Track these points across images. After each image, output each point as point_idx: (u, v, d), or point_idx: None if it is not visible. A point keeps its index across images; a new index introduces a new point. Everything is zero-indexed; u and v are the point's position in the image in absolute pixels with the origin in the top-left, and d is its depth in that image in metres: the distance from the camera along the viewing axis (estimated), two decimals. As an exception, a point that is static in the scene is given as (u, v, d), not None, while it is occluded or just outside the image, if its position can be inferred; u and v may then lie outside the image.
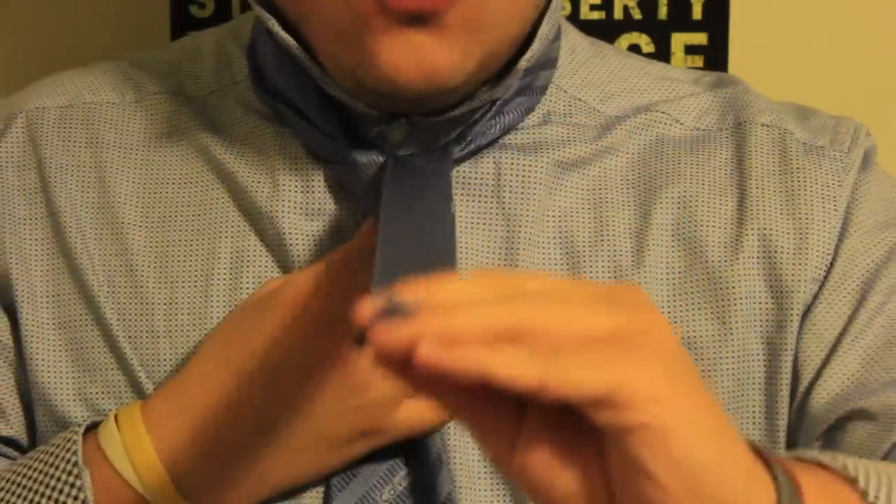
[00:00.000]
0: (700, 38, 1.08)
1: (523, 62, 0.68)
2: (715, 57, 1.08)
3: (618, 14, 1.08)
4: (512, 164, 0.72)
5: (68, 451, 0.66)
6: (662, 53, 1.08)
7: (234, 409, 0.65)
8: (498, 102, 0.71)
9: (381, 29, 0.63)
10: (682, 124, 0.75)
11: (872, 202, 0.74)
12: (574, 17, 1.08)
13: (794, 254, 0.71)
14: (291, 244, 0.70)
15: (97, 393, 0.71)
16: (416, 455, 0.67)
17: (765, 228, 0.72)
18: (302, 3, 0.66)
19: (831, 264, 0.72)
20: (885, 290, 0.72)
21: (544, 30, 0.69)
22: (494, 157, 0.72)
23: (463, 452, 0.68)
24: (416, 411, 0.65)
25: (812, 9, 1.08)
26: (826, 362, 0.71)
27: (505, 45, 0.67)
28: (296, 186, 0.71)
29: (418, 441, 0.67)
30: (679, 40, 1.08)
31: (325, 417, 0.64)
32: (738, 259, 0.71)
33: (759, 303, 0.71)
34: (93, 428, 0.68)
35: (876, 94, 1.09)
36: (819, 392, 0.70)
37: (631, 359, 0.48)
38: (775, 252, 0.72)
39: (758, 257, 0.72)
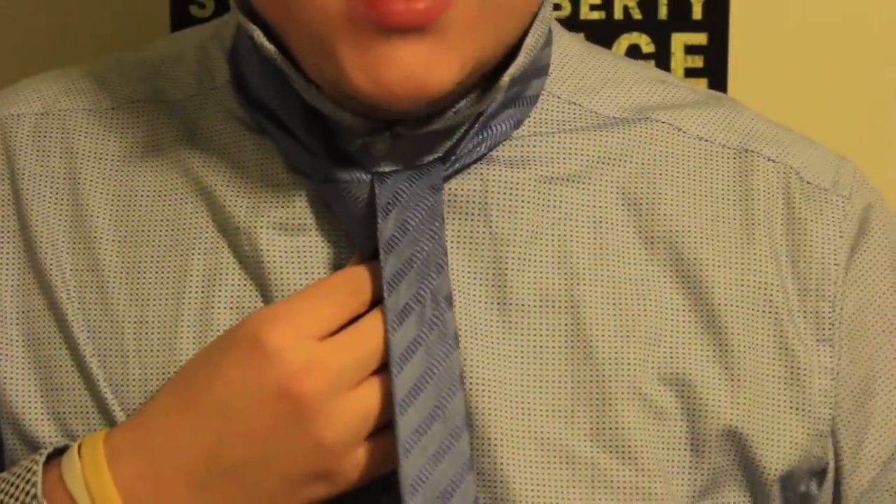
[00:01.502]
0: (700, 38, 1.08)
1: (506, 76, 0.66)
2: (715, 57, 1.08)
3: (618, 14, 1.08)
4: (499, 180, 0.69)
5: (27, 481, 0.64)
6: (662, 53, 1.08)
7: (191, 446, 0.63)
8: (484, 116, 0.69)
9: (360, 40, 0.61)
10: (685, 133, 0.73)
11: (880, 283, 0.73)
12: (574, 17, 1.08)
13: (799, 313, 0.71)
14: (268, 261, 0.68)
15: (66, 412, 0.69)
16: (395, 485, 0.66)
17: (768, 283, 0.70)
18: (280, 11, 0.64)
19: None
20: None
21: (530, 42, 0.67)
22: (481, 173, 0.70)
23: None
24: (368, 455, 0.64)
25: (812, 9, 1.08)
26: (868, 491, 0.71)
27: (496, 53, 0.65)
28: (275, 201, 0.69)
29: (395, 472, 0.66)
30: (679, 40, 1.08)
31: (278, 457, 0.63)
32: (742, 306, 0.70)
33: (767, 356, 0.70)
34: (59, 453, 0.66)
35: (876, 94, 1.09)
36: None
37: None
38: (778, 306, 0.70)
39: (763, 309, 0.70)
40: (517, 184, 0.70)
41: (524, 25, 0.66)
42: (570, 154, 0.71)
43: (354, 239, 0.68)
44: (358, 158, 0.68)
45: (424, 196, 0.67)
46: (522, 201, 0.70)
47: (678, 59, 1.08)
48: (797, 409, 0.70)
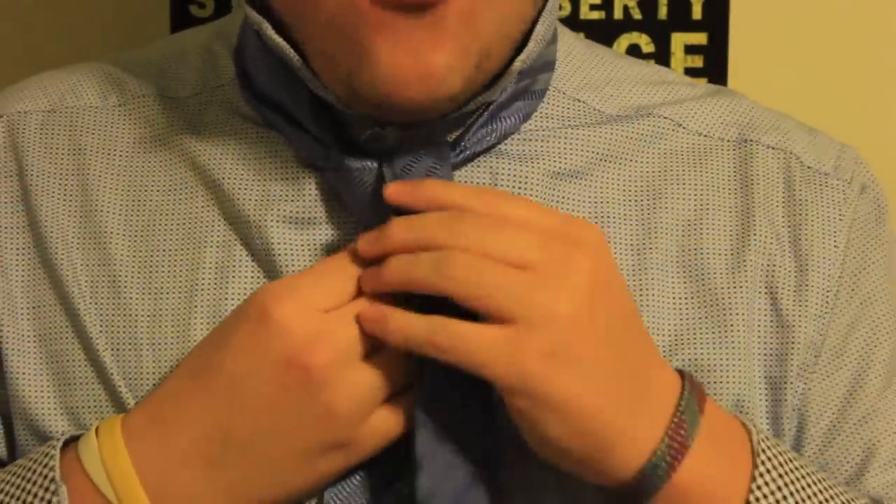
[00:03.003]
0: (700, 38, 1.08)
1: (518, 63, 0.67)
2: (715, 57, 1.08)
3: (618, 14, 1.08)
4: (508, 173, 0.71)
5: (45, 465, 0.65)
6: (662, 53, 1.08)
7: (203, 421, 0.64)
8: (493, 107, 0.70)
9: (376, 23, 0.62)
10: (685, 129, 0.74)
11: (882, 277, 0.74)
12: (574, 17, 1.08)
13: (795, 290, 0.71)
14: (279, 254, 0.69)
15: (79, 406, 0.69)
16: (405, 479, 0.66)
17: (768, 264, 0.71)
18: (300, 9, 0.65)
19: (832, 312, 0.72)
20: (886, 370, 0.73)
21: (540, 30, 0.68)
22: (490, 165, 0.71)
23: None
24: (381, 421, 0.64)
25: (812, 9, 1.08)
26: (825, 446, 0.72)
27: (501, 46, 0.66)
28: (285, 194, 0.70)
29: (409, 449, 0.66)
30: (679, 40, 1.08)
31: (290, 429, 0.63)
32: (741, 289, 0.71)
33: (762, 334, 0.71)
34: (75, 439, 0.67)
35: (876, 94, 1.09)
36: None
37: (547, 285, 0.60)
38: (777, 286, 0.71)
39: (761, 290, 0.71)
40: (525, 177, 0.71)
41: (526, 16, 0.67)
42: (575, 150, 0.72)
43: (363, 223, 0.68)
44: (367, 147, 0.68)
45: (433, 165, 0.68)
46: (529, 194, 0.70)
47: (678, 59, 1.08)
48: (777, 385, 0.71)
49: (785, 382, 0.70)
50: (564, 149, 0.72)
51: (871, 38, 1.09)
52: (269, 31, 0.66)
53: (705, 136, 0.74)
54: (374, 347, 0.64)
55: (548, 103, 0.73)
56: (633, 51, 1.08)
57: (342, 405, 0.63)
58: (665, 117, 0.74)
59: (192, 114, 0.73)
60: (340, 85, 0.66)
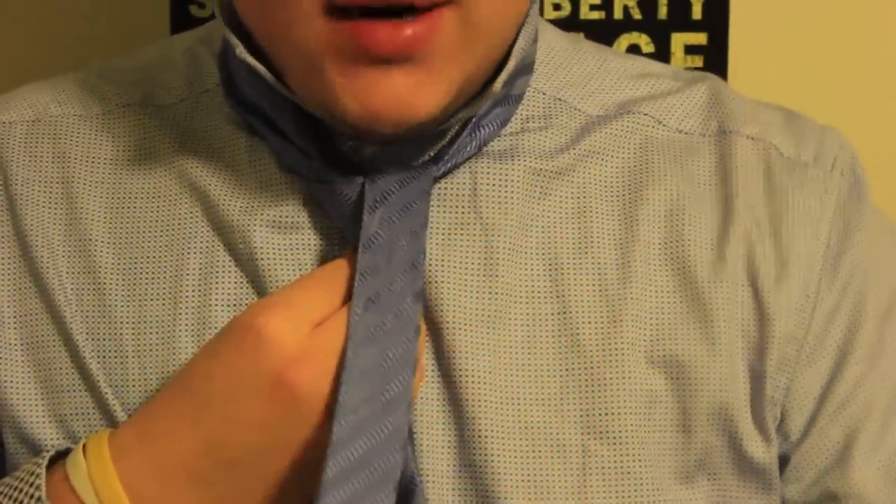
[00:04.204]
0: (700, 38, 1.08)
1: (498, 83, 0.66)
2: (715, 57, 1.08)
3: (618, 14, 1.08)
4: (488, 171, 0.70)
5: (31, 484, 0.64)
6: (662, 53, 1.08)
7: (192, 437, 0.63)
8: (475, 118, 0.69)
9: (348, 67, 0.61)
10: (665, 126, 0.74)
11: (867, 254, 0.73)
12: (574, 17, 1.08)
13: (776, 281, 0.71)
14: (263, 258, 0.69)
15: (67, 414, 0.69)
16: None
17: (749, 255, 0.71)
18: (270, 31, 0.64)
19: (814, 308, 0.71)
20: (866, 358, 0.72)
21: (520, 45, 0.67)
22: (470, 167, 0.70)
23: (435, 474, 0.67)
24: None
25: (812, 9, 1.08)
26: (806, 433, 0.71)
27: (485, 70, 0.66)
28: (268, 200, 0.69)
29: None
30: (679, 40, 1.08)
31: (281, 446, 0.63)
32: (723, 282, 0.70)
33: (745, 327, 0.70)
34: (63, 455, 0.66)
35: (876, 94, 1.09)
36: (797, 472, 0.71)
37: None
38: (758, 278, 0.71)
39: (742, 282, 0.71)
40: (506, 174, 0.70)
41: (511, 39, 0.66)
42: (555, 149, 0.72)
43: (346, 235, 0.68)
44: (349, 158, 0.68)
45: (412, 199, 0.67)
46: (511, 190, 0.70)
47: (678, 59, 1.08)
48: (758, 377, 0.70)
49: (764, 376, 0.70)
50: (544, 148, 0.72)
51: (872, 38, 1.09)
52: (243, 52, 0.66)
53: (686, 133, 0.74)
54: None
55: (527, 104, 0.72)
56: (633, 51, 1.08)
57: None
58: (645, 114, 0.74)
59: (177, 121, 0.73)
60: (315, 106, 0.65)
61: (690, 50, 1.08)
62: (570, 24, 1.07)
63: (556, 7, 1.08)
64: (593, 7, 1.08)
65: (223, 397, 0.63)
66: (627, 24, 1.08)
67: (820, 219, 0.72)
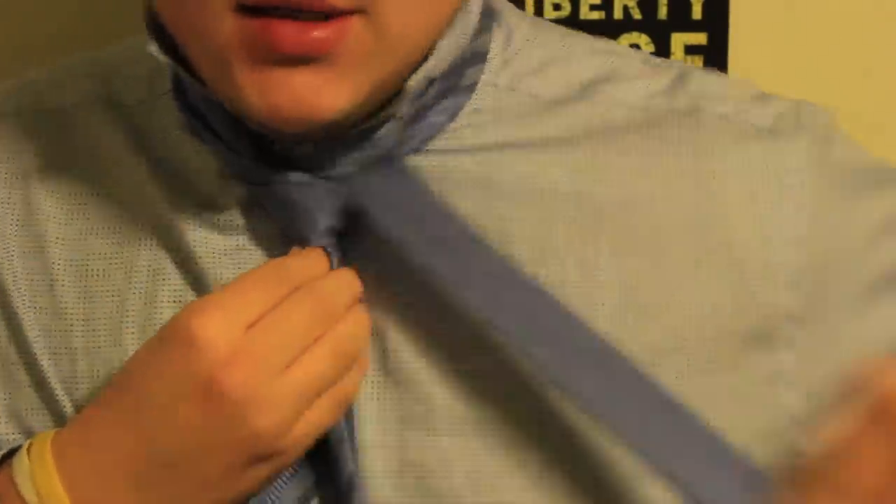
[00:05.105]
0: (700, 38, 1.08)
1: (412, 82, 0.65)
2: (715, 57, 1.08)
3: (618, 14, 1.08)
4: (432, 167, 0.69)
5: None
6: (662, 53, 1.08)
7: (128, 440, 0.64)
8: (411, 112, 0.67)
9: (253, 63, 0.61)
10: (627, 105, 0.71)
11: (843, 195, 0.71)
12: (574, 17, 1.08)
13: (763, 265, 0.68)
14: (204, 258, 0.69)
15: (22, 409, 0.70)
16: (330, 478, 0.66)
17: (732, 238, 0.69)
18: (179, 25, 0.64)
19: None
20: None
21: (444, 44, 0.66)
22: (415, 163, 0.69)
23: (377, 473, 0.67)
24: (308, 426, 0.64)
25: (812, 9, 1.08)
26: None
27: (400, 72, 0.64)
28: (210, 203, 0.69)
29: (330, 464, 0.66)
30: (679, 40, 1.08)
31: (216, 448, 0.63)
32: (705, 266, 0.68)
33: (729, 311, 0.68)
34: (12, 454, 0.67)
35: (876, 94, 1.09)
36: None
37: None
38: (745, 260, 0.69)
39: (728, 266, 0.68)
40: (449, 170, 0.69)
41: (427, 48, 0.65)
42: (508, 142, 0.70)
43: (289, 235, 0.68)
44: (285, 159, 0.68)
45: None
46: (455, 187, 0.69)
47: (678, 59, 1.08)
48: (761, 363, 0.69)
49: (772, 350, 0.68)
50: (496, 142, 0.70)
51: (872, 38, 1.09)
52: (155, 50, 0.65)
53: (650, 110, 0.71)
54: (300, 351, 0.63)
55: (478, 98, 0.70)
56: (633, 51, 1.08)
57: (264, 424, 0.62)
58: (607, 93, 0.71)
59: (135, 121, 0.73)
60: (226, 103, 0.65)
61: (690, 50, 1.08)
62: (569, 24, 1.06)
63: (556, 7, 1.08)
64: (593, 7, 1.08)
65: (158, 401, 0.63)
66: (627, 24, 1.08)
67: (801, 196, 0.69)
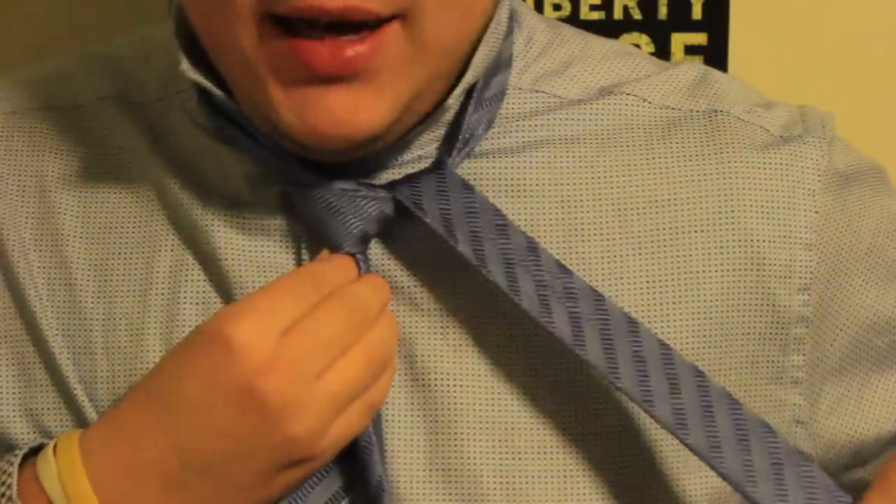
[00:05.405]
0: (700, 38, 1.08)
1: (452, 99, 0.65)
2: (715, 57, 1.08)
3: (618, 14, 1.08)
4: (472, 173, 0.69)
5: (3, 484, 0.64)
6: (662, 53, 1.08)
7: (161, 444, 0.63)
8: (457, 118, 0.67)
9: (288, 84, 0.61)
10: (649, 103, 0.71)
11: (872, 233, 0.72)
12: (574, 17, 1.08)
13: (785, 266, 0.69)
14: (227, 259, 0.68)
15: (39, 409, 0.69)
16: (358, 482, 0.66)
17: (753, 239, 0.69)
18: (216, 46, 0.63)
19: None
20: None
21: (479, 57, 0.66)
22: (458, 171, 0.69)
23: (405, 477, 0.68)
24: (341, 431, 0.64)
25: (812, 9, 1.08)
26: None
27: (438, 85, 0.64)
28: (235, 203, 0.69)
29: (359, 467, 0.66)
30: (679, 40, 1.08)
31: (251, 453, 0.63)
32: (724, 268, 0.69)
33: (750, 314, 0.69)
34: (34, 454, 0.66)
35: (876, 94, 1.09)
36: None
37: None
38: (764, 262, 0.69)
39: (741, 266, 0.69)
40: (482, 174, 0.69)
41: (464, 54, 0.65)
42: (537, 142, 0.70)
43: (316, 237, 0.67)
44: (328, 164, 0.67)
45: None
46: (487, 190, 0.69)
47: (678, 59, 1.08)
48: (773, 361, 0.69)
49: (784, 352, 0.69)
50: (526, 143, 0.70)
51: (871, 38, 1.09)
52: (187, 68, 0.65)
53: (673, 108, 0.71)
54: (335, 356, 0.63)
55: (507, 104, 0.71)
56: (633, 51, 1.08)
57: (299, 430, 0.62)
58: (629, 94, 0.72)
59: (151, 120, 0.72)
60: (261, 121, 0.65)
61: (690, 50, 1.08)
62: (569, 24, 1.07)
63: (557, 7, 1.08)
64: (593, 7, 1.08)
65: (193, 405, 0.63)
66: (627, 24, 1.08)
67: (816, 196, 0.70)
